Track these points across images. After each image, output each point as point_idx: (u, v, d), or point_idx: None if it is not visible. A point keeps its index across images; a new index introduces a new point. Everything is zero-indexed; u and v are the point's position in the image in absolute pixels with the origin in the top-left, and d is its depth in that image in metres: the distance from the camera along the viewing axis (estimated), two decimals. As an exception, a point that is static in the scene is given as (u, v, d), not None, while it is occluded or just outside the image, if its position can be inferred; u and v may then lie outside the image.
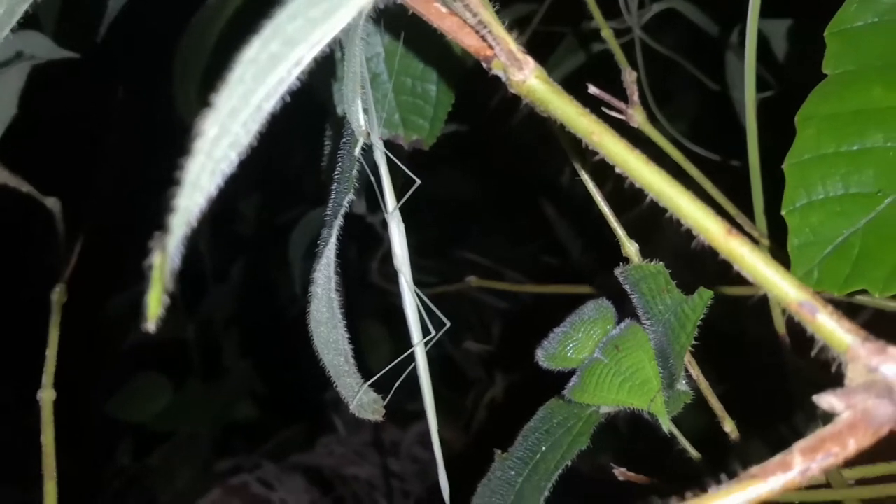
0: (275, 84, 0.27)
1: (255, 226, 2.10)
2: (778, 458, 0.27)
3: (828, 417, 0.30)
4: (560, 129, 0.54)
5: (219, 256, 2.04)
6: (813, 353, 0.30)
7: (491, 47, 0.34)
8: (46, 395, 0.55)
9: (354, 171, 0.49)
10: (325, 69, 0.68)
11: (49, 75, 0.75)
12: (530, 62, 0.34)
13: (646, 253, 0.57)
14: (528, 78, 0.34)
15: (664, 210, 0.33)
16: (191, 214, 0.25)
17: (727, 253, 0.31)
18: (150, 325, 0.25)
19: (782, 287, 0.30)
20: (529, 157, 1.83)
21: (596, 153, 0.34)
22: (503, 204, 2.07)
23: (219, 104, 0.25)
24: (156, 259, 0.25)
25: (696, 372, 0.55)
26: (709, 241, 0.31)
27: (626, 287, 0.53)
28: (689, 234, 0.33)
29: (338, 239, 0.52)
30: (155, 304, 0.24)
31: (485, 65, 0.36)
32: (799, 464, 0.26)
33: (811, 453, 0.26)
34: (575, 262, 1.82)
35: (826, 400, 0.28)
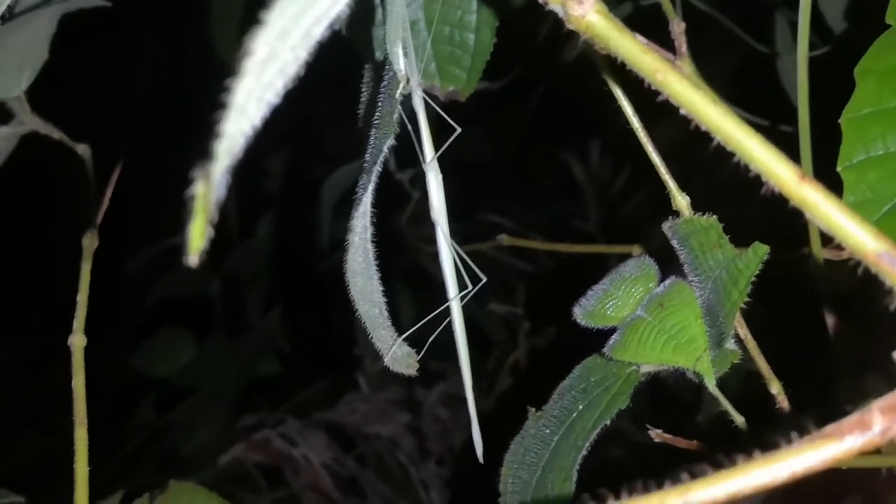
0: (326, 6, 0.26)
1: (281, 182, 2.09)
2: (855, 416, 0.25)
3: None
4: (612, 73, 0.52)
5: (245, 212, 2.04)
6: (893, 307, 0.28)
7: (549, -21, 0.32)
8: (77, 340, 0.55)
9: (395, 115, 0.47)
10: (362, 16, 0.66)
11: (80, 19, 0.73)
12: (591, -5, 0.32)
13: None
14: (587, 12, 0.32)
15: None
16: (237, 142, 0.24)
17: (799, 201, 0.29)
18: (193, 258, 0.23)
19: (859, 237, 0.28)
20: (561, 116, 1.80)
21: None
22: (530, 168, 2.05)
23: (269, 22, 0.23)
24: (199, 188, 0.23)
25: (744, 332, 0.53)
26: (779, 188, 0.29)
27: (674, 242, 0.51)
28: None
29: (375, 189, 0.51)
30: (198, 237, 0.23)
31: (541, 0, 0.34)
32: (879, 423, 0.25)
33: (892, 412, 0.25)
34: (604, 227, 1.80)
35: (906, 356, 0.26)
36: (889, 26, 0.55)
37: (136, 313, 2.20)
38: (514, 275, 1.90)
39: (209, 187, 0.23)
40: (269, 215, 2.07)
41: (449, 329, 0.62)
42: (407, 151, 0.57)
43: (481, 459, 0.61)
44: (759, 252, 0.46)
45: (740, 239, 0.53)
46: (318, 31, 0.26)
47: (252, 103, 0.24)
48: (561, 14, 0.33)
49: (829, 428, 0.25)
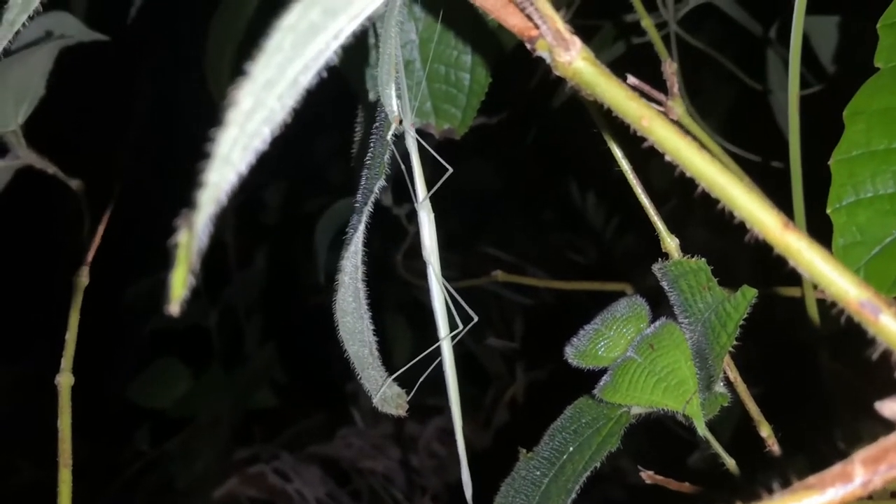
0: (313, 56, 0.26)
1: (279, 215, 2.09)
2: (837, 467, 0.25)
3: (870, 428, 0.28)
4: (601, 116, 0.52)
5: (243, 244, 2.04)
6: (874, 356, 0.28)
7: (536, 26, 0.33)
8: (64, 380, 0.54)
9: (386, 157, 0.47)
10: (357, 56, 0.67)
11: (78, 56, 0.74)
12: (577, 42, 0.32)
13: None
14: (574, 59, 0.32)
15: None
16: (220, 191, 0.24)
17: (783, 248, 0.29)
18: (174, 307, 0.23)
19: (841, 285, 0.28)
20: (557, 152, 1.81)
21: (643, 140, 0.32)
22: (528, 199, 2.05)
23: (254, 73, 0.23)
24: (182, 237, 0.23)
25: (733, 374, 0.53)
26: (763, 235, 0.29)
27: (664, 283, 0.51)
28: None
29: (366, 227, 0.51)
30: (179, 285, 0.23)
31: (528, 45, 0.34)
32: (860, 475, 0.25)
33: (873, 464, 0.25)
34: (601, 260, 1.80)
35: (890, 407, 0.26)
36: (878, 69, 0.55)
37: (132, 344, 2.20)
38: (514, 308, 1.89)
39: (192, 236, 0.23)
40: (267, 247, 2.07)
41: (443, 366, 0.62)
42: (404, 186, 0.58)
43: (470, 501, 0.60)
44: (748, 295, 0.45)
45: (735, 272, 0.54)
46: (307, 79, 0.27)
47: (237, 152, 0.24)
48: (548, 60, 0.33)
49: (811, 479, 0.25)
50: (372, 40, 0.62)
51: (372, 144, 0.50)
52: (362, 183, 0.49)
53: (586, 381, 0.58)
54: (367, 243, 0.53)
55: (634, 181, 0.51)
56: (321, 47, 0.26)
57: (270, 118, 0.25)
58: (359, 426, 1.81)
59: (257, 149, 0.25)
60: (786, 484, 0.26)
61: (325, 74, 0.28)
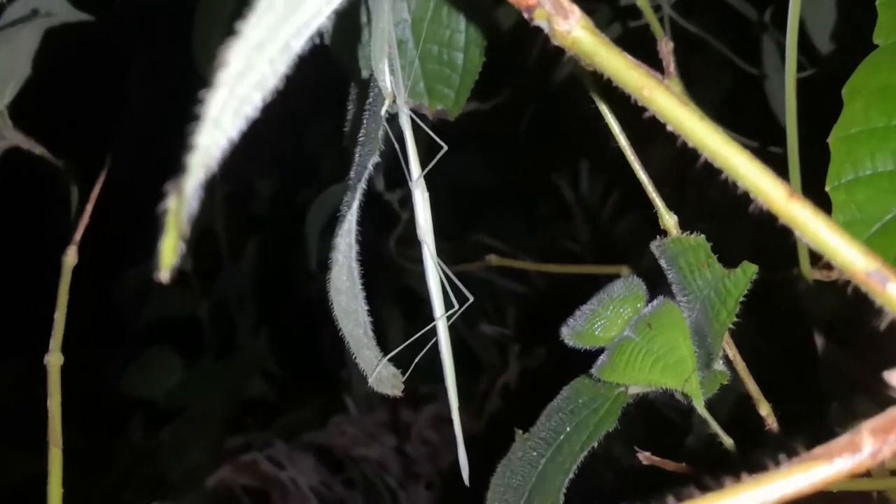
0: (305, 19, 0.25)
1: (270, 204, 2.08)
2: (845, 437, 0.25)
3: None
4: (600, 90, 0.52)
5: (234, 234, 2.03)
6: (882, 327, 0.27)
7: (534, -6, 0.32)
8: (54, 359, 0.53)
9: (380, 133, 0.47)
10: (349, 35, 0.66)
11: (64, 35, 0.73)
12: (576, 11, 0.31)
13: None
14: (573, 28, 0.31)
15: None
16: (211, 155, 0.23)
17: (788, 217, 0.28)
18: (165, 273, 0.22)
19: (848, 255, 0.28)
20: (552, 137, 1.81)
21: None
22: (523, 186, 2.05)
23: (245, 33, 0.22)
24: (171, 202, 0.23)
25: (732, 352, 0.52)
26: (768, 205, 0.29)
27: (662, 261, 0.50)
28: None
29: (360, 206, 0.50)
30: (169, 252, 0.22)
31: (526, 15, 0.33)
32: (869, 444, 0.24)
33: (882, 434, 0.24)
34: (597, 249, 1.80)
35: (898, 377, 0.25)
36: (876, 46, 0.55)
37: (125, 334, 2.19)
38: (505, 296, 1.89)
39: (181, 202, 0.22)
40: (258, 237, 2.06)
41: (437, 351, 0.61)
42: (396, 171, 0.57)
43: (467, 482, 0.60)
44: (748, 272, 0.45)
45: (730, 259, 0.53)
46: (299, 44, 0.26)
47: (227, 116, 0.24)
48: (546, 30, 0.32)
49: (819, 450, 0.25)
50: (364, 19, 0.61)
51: (365, 121, 0.49)
52: (356, 160, 0.49)
53: (580, 366, 0.58)
54: (360, 230, 0.52)
55: (632, 156, 0.50)
56: (314, 10, 0.25)
57: (262, 83, 0.24)
58: (352, 414, 1.81)
59: (248, 115, 0.25)
60: (791, 456, 0.25)
61: (317, 40, 0.27)
